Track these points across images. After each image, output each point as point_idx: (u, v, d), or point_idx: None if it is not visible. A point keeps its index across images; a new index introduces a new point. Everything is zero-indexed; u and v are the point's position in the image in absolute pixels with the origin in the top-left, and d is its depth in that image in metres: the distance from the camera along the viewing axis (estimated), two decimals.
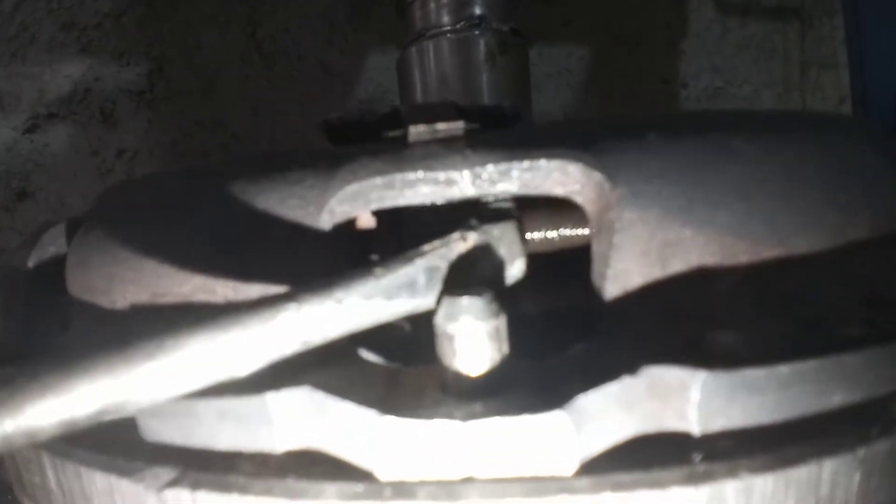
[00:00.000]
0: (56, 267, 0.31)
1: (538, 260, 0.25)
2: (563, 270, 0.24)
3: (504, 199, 0.22)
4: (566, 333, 0.20)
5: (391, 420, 0.15)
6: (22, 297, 0.32)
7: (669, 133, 0.22)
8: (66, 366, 0.15)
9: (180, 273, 0.23)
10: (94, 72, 0.91)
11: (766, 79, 1.00)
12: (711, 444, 0.16)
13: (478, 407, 0.16)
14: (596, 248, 0.20)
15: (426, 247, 0.18)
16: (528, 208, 0.24)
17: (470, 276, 0.18)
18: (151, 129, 0.92)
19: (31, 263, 0.33)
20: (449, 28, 0.56)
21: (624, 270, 0.19)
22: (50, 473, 0.22)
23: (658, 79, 1.04)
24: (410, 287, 0.18)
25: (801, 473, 0.16)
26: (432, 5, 0.57)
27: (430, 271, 0.18)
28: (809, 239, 0.21)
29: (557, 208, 0.22)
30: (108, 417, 0.15)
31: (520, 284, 0.21)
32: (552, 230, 0.24)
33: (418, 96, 0.57)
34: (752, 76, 1.00)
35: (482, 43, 0.55)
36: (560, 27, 1.01)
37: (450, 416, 0.16)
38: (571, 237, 0.24)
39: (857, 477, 0.17)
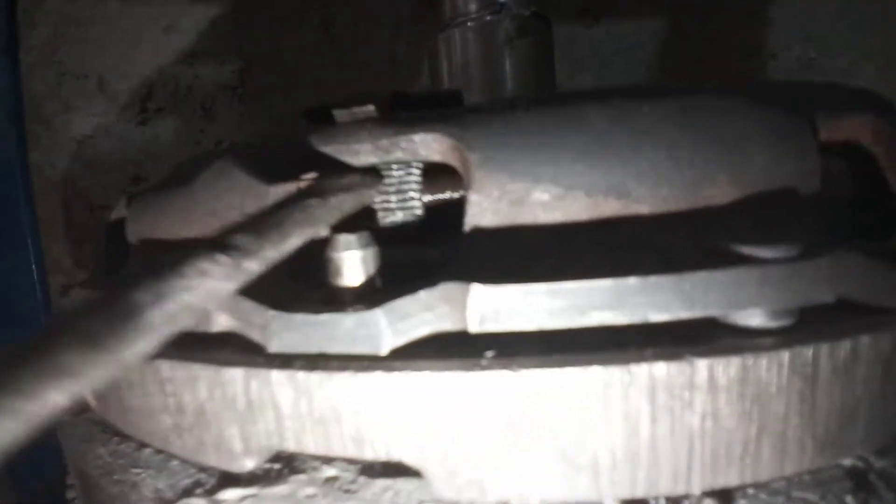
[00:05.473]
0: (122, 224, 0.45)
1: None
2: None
3: (410, 164, 0.30)
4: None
5: (274, 313, 0.24)
6: (104, 245, 0.45)
7: (535, 109, 0.28)
8: None
9: (187, 222, 0.33)
10: (195, 70, 1.06)
11: (865, 50, 0.93)
12: (502, 345, 0.23)
13: (335, 308, 0.24)
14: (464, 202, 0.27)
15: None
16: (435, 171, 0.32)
17: (357, 219, 0.26)
18: (244, 121, 1.06)
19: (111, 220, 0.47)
20: (473, 15, 0.63)
21: (475, 219, 0.26)
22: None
23: (742, 51, 1.01)
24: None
25: (567, 373, 0.22)
26: None
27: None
28: (652, 195, 0.26)
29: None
30: None
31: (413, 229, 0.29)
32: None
33: (445, 81, 0.65)
34: (850, 47, 0.94)
35: (501, 28, 0.61)
36: None
37: (313, 312, 0.24)
38: None
39: (633, 391, 0.22)
